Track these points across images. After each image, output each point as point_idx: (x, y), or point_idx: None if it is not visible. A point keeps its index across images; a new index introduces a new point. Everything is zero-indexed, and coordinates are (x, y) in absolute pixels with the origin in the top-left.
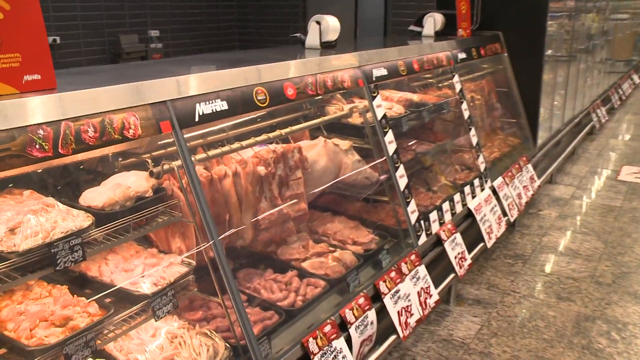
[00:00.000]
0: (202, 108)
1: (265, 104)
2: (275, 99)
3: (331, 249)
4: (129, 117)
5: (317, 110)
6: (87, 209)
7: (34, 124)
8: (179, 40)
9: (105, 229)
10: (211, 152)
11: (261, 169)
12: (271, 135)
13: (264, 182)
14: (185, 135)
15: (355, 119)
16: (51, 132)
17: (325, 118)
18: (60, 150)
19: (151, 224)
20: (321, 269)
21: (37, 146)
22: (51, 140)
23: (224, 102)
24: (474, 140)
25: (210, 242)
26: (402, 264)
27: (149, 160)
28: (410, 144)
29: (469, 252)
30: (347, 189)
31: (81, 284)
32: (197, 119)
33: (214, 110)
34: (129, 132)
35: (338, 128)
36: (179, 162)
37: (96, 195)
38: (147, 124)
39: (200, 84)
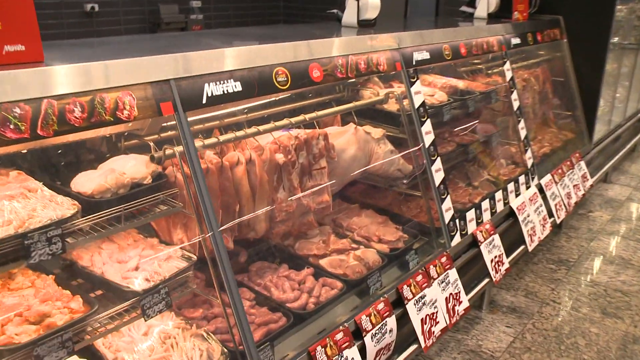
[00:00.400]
0: (212, 89)
1: (286, 86)
2: (298, 81)
3: (354, 245)
4: (124, 97)
5: (349, 94)
6: (77, 195)
7: (9, 102)
8: (221, 12)
9: (92, 218)
10: (222, 137)
11: (280, 157)
12: (294, 120)
13: (283, 171)
14: (192, 118)
15: (391, 106)
16: (29, 111)
17: (357, 103)
18: (39, 132)
19: (146, 215)
20: (340, 268)
21: (12, 126)
22: (29, 119)
23: (238, 83)
24: (523, 133)
25: (209, 234)
26: (431, 266)
27: (152, 144)
28: (451, 134)
29: (508, 256)
30: (377, 180)
31: (70, 274)
32: (204, 101)
33: (226, 92)
34: (122, 114)
35: (372, 114)
36: (182, 148)
37: (86, 181)
38: (146, 104)
39: (210, 62)
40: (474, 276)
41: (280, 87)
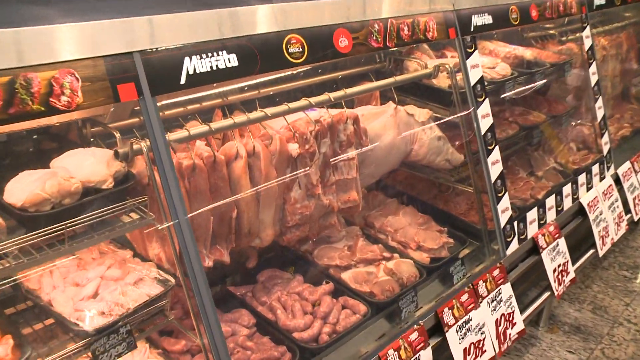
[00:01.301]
0: (195, 64)
1: (302, 59)
2: (319, 52)
3: (386, 254)
4: (63, 77)
5: (391, 65)
6: (8, 207)
7: None
8: None
9: (21, 240)
10: (215, 125)
11: (293, 148)
12: (314, 100)
13: (298, 165)
14: (169, 101)
15: (442, 81)
16: None
17: (398, 78)
18: None
19: (101, 231)
20: (366, 284)
21: None
22: None
23: (233, 56)
24: (600, 113)
25: (173, 222)
26: (480, 282)
27: (118, 135)
28: (513, 114)
29: (574, 263)
30: (421, 170)
31: (11, 299)
32: (183, 81)
33: (215, 68)
34: (59, 101)
35: (417, 91)
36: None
37: (19, 188)
38: (95, 87)
39: (192, 27)
40: (531, 288)
41: (292, 60)
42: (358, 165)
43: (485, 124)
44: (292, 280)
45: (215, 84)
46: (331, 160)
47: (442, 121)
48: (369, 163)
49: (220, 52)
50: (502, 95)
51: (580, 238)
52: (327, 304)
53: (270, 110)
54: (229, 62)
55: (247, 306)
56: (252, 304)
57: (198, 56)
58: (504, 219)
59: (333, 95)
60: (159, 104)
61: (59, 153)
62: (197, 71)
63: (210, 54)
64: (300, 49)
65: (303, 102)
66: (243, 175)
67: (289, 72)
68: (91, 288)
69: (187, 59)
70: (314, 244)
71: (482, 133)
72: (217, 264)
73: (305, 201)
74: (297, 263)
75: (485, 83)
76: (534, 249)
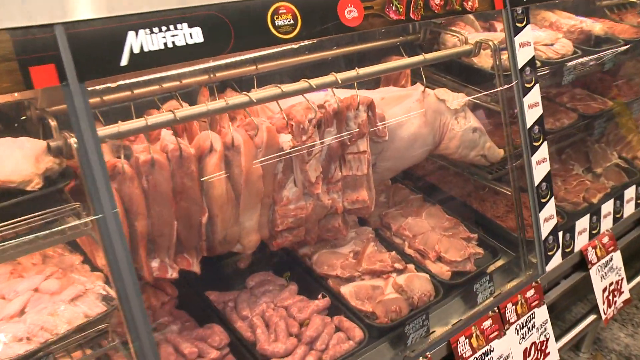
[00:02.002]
0: (142, 40)
1: (293, 34)
2: (316, 26)
3: (398, 266)
4: None
5: (427, 36)
6: None
7: None
8: None
9: None
10: (180, 113)
11: (285, 139)
12: (316, 82)
13: (294, 159)
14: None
15: (484, 60)
16: None
17: (427, 56)
18: None
19: (20, 245)
20: (369, 302)
21: None
22: None
23: (197, 30)
24: None
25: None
26: (509, 305)
27: (54, 123)
28: (574, 99)
29: (629, 281)
30: (455, 162)
31: None
32: (125, 61)
33: (170, 46)
34: None
35: (455, 71)
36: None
37: None
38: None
39: None
40: (571, 308)
41: (280, 35)
42: (371, 159)
43: (532, 115)
44: (284, 290)
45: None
46: (338, 153)
47: (474, 110)
48: (387, 156)
49: (179, 25)
50: (560, 80)
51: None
52: (315, 327)
53: (257, 94)
54: (191, 37)
55: (225, 320)
56: (231, 317)
57: (147, 30)
58: (546, 229)
59: (341, 76)
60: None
61: None
62: (145, 49)
63: (164, 28)
64: (291, 21)
65: (301, 84)
66: (216, 173)
67: (291, 46)
68: (17, 305)
69: (131, 33)
70: (315, 247)
71: (528, 127)
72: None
73: (302, 201)
74: (293, 268)
75: (539, 64)
76: (581, 263)
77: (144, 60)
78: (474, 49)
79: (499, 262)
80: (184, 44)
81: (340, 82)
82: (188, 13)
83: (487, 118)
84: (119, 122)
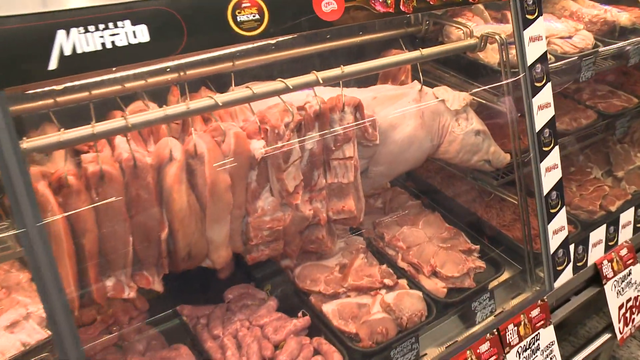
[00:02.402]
0: (75, 40)
1: (258, 31)
2: (287, 21)
3: (387, 282)
4: None
5: (430, 28)
6: None
7: None
8: None
9: None
10: (134, 119)
11: (257, 146)
12: (293, 82)
13: (270, 167)
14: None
15: (490, 56)
16: None
17: (424, 52)
18: None
19: None
20: (353, 322)
21: None
22: None
23: (141, 28)
24: None
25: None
26: (511, 326)
27: None
28: (594, 96)
29: None
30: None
31: None
32: (54, 65)
33: (110, 46)
34: None
35: (460, 67)
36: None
37: None
38: None
39: None
40: (590, 315)
41: (243, 32)
42: (363, 163)
43: (542, 117)
44: (262, 306)
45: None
46: (321, 159)
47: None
48: (379, 161)
49: (120, 23)
50: (579, 76)
51: None
52: (290, 351)
53: (224, 97)
54: (135, 36)
55: (195, 340)
56: (202, 335)
57: (81, 28)
58: (556, 242)
59: (323, 75)
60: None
61: None
62: (79, 51)
63: (102, 26)
64: (257, 16)
65: (275, 84)
66: (175, 185)
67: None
68: None
69: (61, 33)
70: (298, 258)
71: (537, 130)
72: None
73: (279, 212)
74: (276, 280)
75: (552, 59)
76: (596, 277)
77: (77, 64)
78: (479, 43)
79: (503, 276)
80: (126, 43)
81: (321, 81)
82: (132, 8)
83: (493, 119)
84: (62, 129)
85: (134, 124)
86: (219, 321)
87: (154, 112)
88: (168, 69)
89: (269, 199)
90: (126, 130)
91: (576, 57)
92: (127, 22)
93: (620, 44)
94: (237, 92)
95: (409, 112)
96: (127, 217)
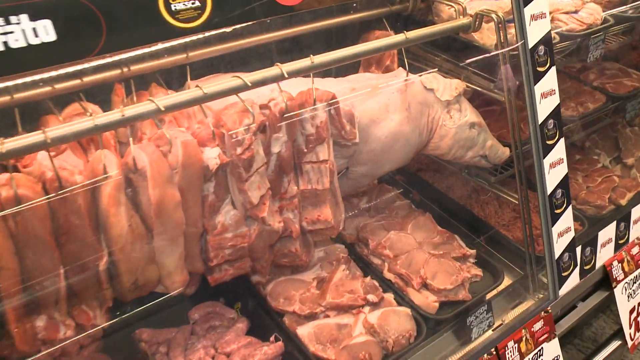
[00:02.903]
0: None
1: (199, 22)
2: (235, 7)
3: (371, 298)
4: None
5: (416, 6)
6: None
7: None
8: None
9: None
10: (53, 133)
11: (211, 155)
12: (252, 78)
13: (230, 177)
14: None
15: (486, 36)
16: None
17: (409, 35)
18: None
19: None
20: (332, 347)
21: None
22: None
23: (44, 24)
24: None
25: None
26: (510, 344)
27: None
28: (603, 75)
29: None
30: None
31: None
32: None
33: (2, 48)
34: None
35: (454, 50)
36: None
37: None
38: None
39: None
40: (591, 320)
41: (181, 24)
42: (343, 163)
43: (546, 106)
44: (231, 328)
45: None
46: (291, 164)
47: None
48: (361, 160)
49: (13, 18)
50: (586, 56)
51: None
52: None
53: (166, 100)
54: (36, 35)
55: None
56: None
57: None
58: (561, 245)
59: (288, 67)
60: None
61: None
62: None
63: None
64: (197, 4)
65: (231, 82)
66: (111, 208)
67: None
68: None
69: None
70: (271, 272)
71: (540, 121)
72: None
73: (243, 227)
74: (247, 297)
75: (557, 38)
76: (605, 279)
77: None
78: (472, 23)
79: (498, 290)
80: (25, 44)
81: (286, 75)
82: None
83: (490, 107)
84: None
85: (53, 139)
86: (179, 350)
87: (80, 123)
88: (108, 64)
89: (230, 212)
90: (44, 147)
91: (583, 35)
92: (25, 17)
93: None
94: (184, 93)
95: (393, 105)
96: (54, 247)
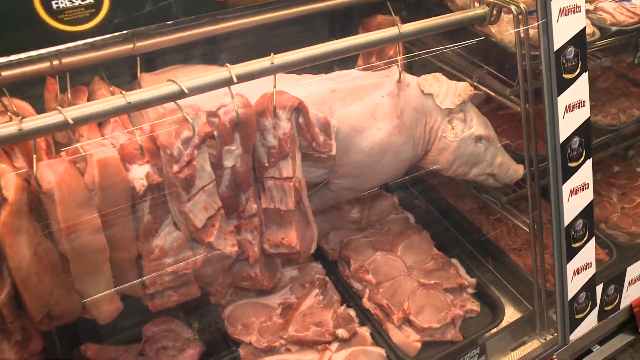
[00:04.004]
0: None
1: (92, 23)
2: (144, 4)
3: (341, 334)
4: None
5: None
6: None
7: None
8: None
9: None
10: None
11: (137, 175)
12: (188, 84)
13: (169, 197)
14: None
15: (505, 31)
16: None
17: (403, 30)
18: None
19: None
20: None
21: None
22: None
23: None
24: None
25: None
26: None
27: None
28: None
29: None
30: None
31: None
32: None
33: None
34: None
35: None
36: None
37: None
38: None
39: None
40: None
41: (66, 26)
42: (323, 174)
43: (571, 122)
44: (182, 351)
45: None
46: (249, 179)
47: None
48: (343, 173)
49: None
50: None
51: None
52: None
53: (76, 112)
54: None
55: None
56: None
57: None
58: (577, 284)
59: (239, 70)
60: None
61: None
62: None
63: None
64: (89, 0)
65: (165, 88)
66: (7, 237)
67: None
68: None
69: None
70: (232, 293)
71: (562, 140)
72: None
73: (186, 252)
74: (204, 316)
75: (596, 35)
76: (629, 321)
77: None
78: (488, 14)
79: (498, 327)
80: None
81: (235, 79)
82: None
83: (505, 116)
84: None
85: None
86: None
87: None
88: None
89: (172, 234)
90: None
91: (634, 30)
92: None
93: None
94: (103, 102)
95: (382, 111)
96: None
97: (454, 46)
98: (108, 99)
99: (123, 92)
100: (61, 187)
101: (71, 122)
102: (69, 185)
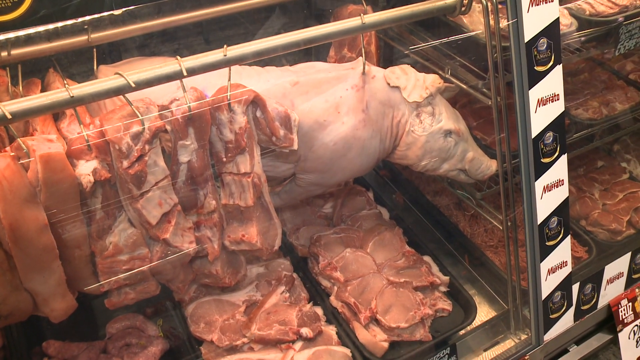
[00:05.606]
0: None
1: (16, 14)
2: None
3: (305, 333)
4: None
5: None
6: None
7: None
8: None
9: None
10: None
11: (84, 171)
12: (137, 78)
13: (122, 193)
14: None
15: (477, 22)
16: None
17: (366, 20)
18: None
19: None
20: None
21: None
22: None
23: None
24: None
25: None
26: None
27: None
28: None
29: None
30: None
31: None
32: None
33: None
34: None
35: (438, 32)
36: None
37: None
38: None
39: None
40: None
41: None
42: (289, 169)
43: (544, 116)
44: (146, 349)
45: None
46: (205, 175)
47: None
48: (308, 168)
49: None
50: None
51: None
52: None
53: (16, 106)
54: None
55: None
56: None
57: None
58: (551, 284)
59: (190, 64)
60: None
61: None
62: None
63: None
64: None
65: (111, 81)
66: None
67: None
68: None
69: None
70: (197, 289)
71: (534, 135)
72: None
73: (142, 249)
74: (168, 315)
75: (573, 25)
76: (609, 320)
77: None
78: (458, 4)
79: (479, 319)
80: None
81: (185, 72)
82: None
83: (479, 109)
84: None
85: None
86: None
87: None
88: None
89: (127, 231)
90: None
91: (613, 21)
92: None
93: None
94: (45, 95)
95: (346, 105)
96: None
97: (437, 42)
98: (50, 93)
99: (67, 85)
100: (2, 183)
101: (9, 116)
102: (11, 181)
